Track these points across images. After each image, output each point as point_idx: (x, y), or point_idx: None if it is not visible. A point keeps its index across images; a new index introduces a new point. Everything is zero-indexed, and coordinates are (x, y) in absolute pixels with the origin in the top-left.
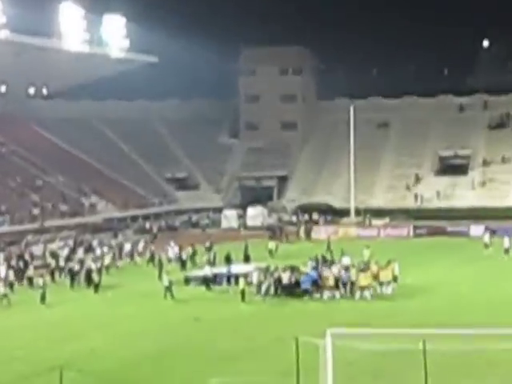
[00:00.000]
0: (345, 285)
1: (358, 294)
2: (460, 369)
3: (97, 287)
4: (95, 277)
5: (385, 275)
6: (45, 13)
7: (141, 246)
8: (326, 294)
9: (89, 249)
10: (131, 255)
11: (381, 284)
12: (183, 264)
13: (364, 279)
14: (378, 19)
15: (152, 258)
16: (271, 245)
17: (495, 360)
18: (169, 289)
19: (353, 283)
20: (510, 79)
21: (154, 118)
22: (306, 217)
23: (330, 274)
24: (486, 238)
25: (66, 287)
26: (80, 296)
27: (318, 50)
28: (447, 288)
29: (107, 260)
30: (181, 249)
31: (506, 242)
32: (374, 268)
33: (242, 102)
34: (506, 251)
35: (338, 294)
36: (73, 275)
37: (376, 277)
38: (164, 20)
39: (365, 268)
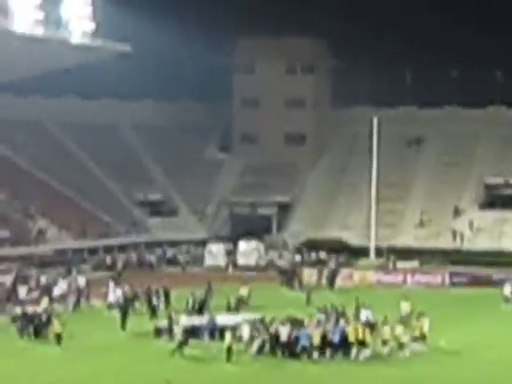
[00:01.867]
0: (335, 343)
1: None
2: None
3: (59, 337)
4: (56, 325)
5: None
6: None
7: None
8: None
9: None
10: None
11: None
12: (154, 311)
13: (351, 334)
14: (414, 5)
15: (78, 303)
16: (243, 290)
17: None
18: (182, 345)
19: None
20: None
21: (122, 123)
22: (314, 256)
23: (316, 331)
24: (508, 289)
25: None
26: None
27: (335, 43)
28: (490, 354)
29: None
30: (149, 291)
31: None
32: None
33: (237, 106)
34: None
35: (328, 354)
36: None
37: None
38: None
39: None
